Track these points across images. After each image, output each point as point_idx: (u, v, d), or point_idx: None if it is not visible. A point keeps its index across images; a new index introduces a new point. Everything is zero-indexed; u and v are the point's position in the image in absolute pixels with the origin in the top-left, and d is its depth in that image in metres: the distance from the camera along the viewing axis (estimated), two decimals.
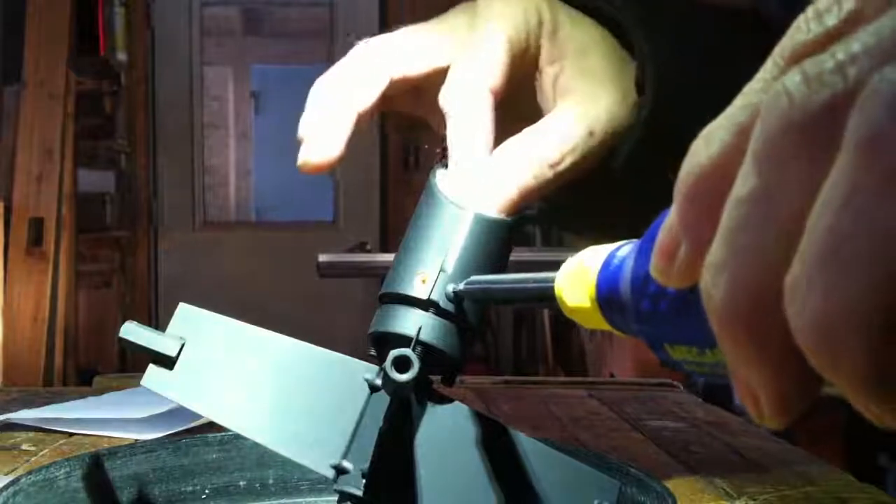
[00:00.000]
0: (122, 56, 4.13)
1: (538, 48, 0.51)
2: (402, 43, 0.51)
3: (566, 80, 0.50)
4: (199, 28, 4.55)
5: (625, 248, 0.30)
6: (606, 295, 0.30)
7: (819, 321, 0.20)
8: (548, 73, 0.51)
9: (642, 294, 0.28)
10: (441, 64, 0.50)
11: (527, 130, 0.48)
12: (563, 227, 0.72)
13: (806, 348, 0.20)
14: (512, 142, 0.48)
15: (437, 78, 0.50)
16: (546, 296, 0.34)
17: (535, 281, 0.35)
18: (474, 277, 0.43)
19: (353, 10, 4.47)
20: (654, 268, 0.25)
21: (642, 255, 0.28)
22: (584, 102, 0.50)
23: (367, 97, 0.49)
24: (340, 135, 0.48)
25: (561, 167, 0.48)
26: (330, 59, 4.92)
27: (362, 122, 0.49)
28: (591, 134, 0.49)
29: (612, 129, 0.50)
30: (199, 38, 4.55)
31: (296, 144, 0.49)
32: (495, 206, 0.46)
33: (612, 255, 0.30)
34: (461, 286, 0.44)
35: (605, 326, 0.31)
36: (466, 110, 0.47)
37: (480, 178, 0.46)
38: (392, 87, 0.50)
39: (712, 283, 0.23)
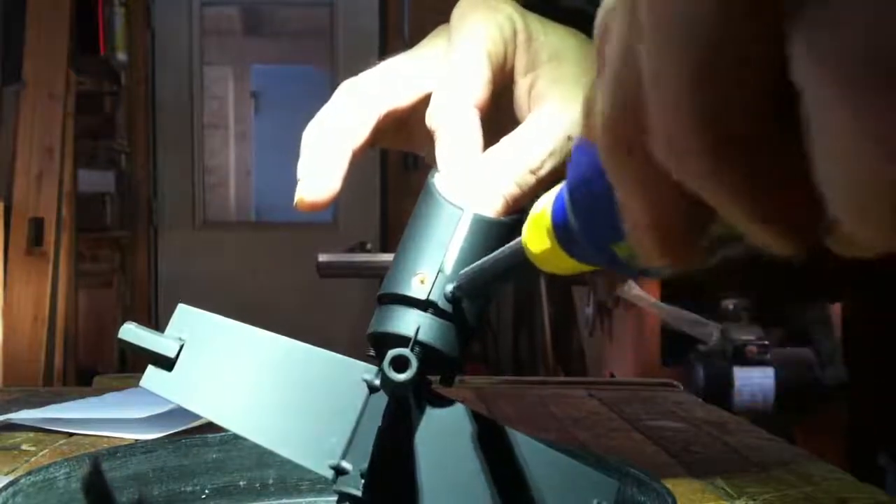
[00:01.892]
0: (122, 56, 4.14)
1: (514, 59, 0.51)
2: (387, 77, 0.51)
3: (541, 88, 0.51)
4: (199, 28, 4.55)
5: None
6: (561, 225, 0.31)
7: (662, 127, 0.20)
8: (523, 83, 0.51)
9: (579, 203, 0.29)
10: (427, 91, 0.51)
11: (506, 138, 0.49)
12: None
13: (661, 158, 0.21)
14: (493, 150, 0.48)
15: (424, 107, 0.50)
16: (521, 257, 0.34)
17: (510, 248, 0.36)
18: (462, 271, 0.43)
19: (354, 10, 4.47)
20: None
21: (572, 168, 0.29)
22: (561, 107, 0.50)
23: (360, 134, 0.50)
24: (336, 173, 0.48)
25: (542, 172, 0.48)
26: (330, 60, 4.91)
27: (356, 159, 0.49)
28: (569, 138, 0.49)
29: None
30: (199, 38, 4.55)
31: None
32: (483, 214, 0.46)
33: (561, 191, 0.31)
34: (456, 285, 0.44)
35: (570, 264, 0.32)
36: (453, 128, 0.48)
37: (469, 186, 0.47)
38: (383, 121, 0.50)
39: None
